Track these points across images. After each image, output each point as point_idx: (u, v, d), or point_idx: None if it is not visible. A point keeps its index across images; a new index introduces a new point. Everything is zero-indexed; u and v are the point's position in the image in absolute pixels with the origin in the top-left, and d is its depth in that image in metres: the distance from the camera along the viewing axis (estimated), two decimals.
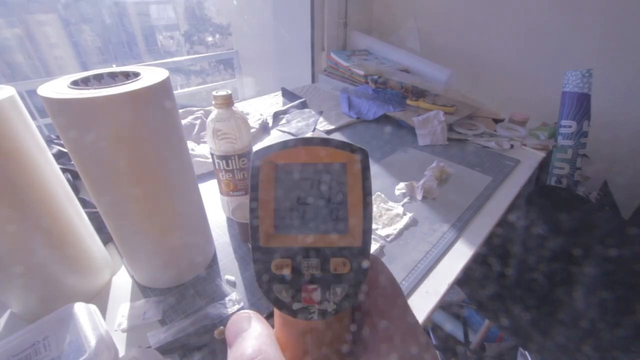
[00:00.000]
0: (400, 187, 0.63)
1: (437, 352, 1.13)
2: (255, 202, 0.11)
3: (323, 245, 0.11)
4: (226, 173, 0.49)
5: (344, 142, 0.11)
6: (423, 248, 0.49)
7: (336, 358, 0.12)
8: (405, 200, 0.60)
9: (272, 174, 0.11)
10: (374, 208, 0.55)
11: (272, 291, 0.11)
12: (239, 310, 0.39)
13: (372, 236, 0.50)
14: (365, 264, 0.11)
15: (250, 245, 0.12)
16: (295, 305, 0.11)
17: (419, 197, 0.60)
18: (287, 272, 0.11)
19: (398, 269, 0.45)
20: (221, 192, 0.53)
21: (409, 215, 0.55)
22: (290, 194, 0.11)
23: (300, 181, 0.11)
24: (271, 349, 0.12)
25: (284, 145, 0.11)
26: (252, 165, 0.11)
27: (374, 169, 0.69)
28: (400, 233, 0.52)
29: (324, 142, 0.11)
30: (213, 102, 0.45)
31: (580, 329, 0.60)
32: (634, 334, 0.57)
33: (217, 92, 0.45)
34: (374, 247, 0.48)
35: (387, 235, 0.51)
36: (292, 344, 0.12)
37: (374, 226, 0.52)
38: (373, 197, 0.56)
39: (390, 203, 0.58)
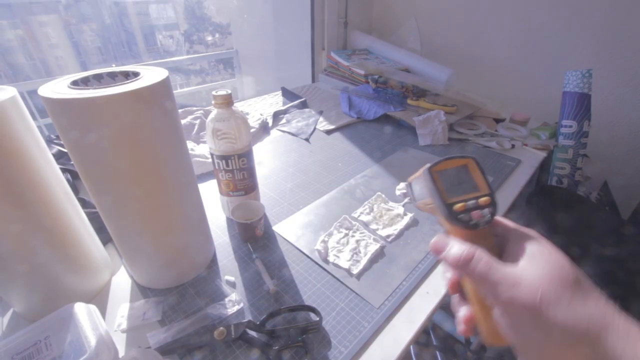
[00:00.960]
0: (401, 187, 0.62)
1: (437, 352, 1.13)
2: (435, 183, 0.24)
3: (475, 195, 0.24)
4: (226, 173, 0.49)
5: (463, 155, 0.25)
6: (424, 248, 0.49)
7: (491, 251, 0.22)
8: (406, 200, 0.59)
9: (435, 174, 0.24)
10: (375, 208, 0.57)
11: (459, 219, 0.23)
12: (238, 310, 0.39)
13: (373, 236, 0.50)
14: (495, 198, 0.24)
15: (441, 204, 0.23)
16: (472, 221, 0.23)
17: None
18: (463, 208, 0.23)
19: (399, 269, 0.45)
20: (221, 192, 0.53)
21: (409, 215, 0.55)
22: (446, 183, 0.24)
23: (447, 175, 0.24)
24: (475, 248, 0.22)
25: (434, 163, 0.25)
26: (428, 172, 0.24)
27: (374, 168, 0.69)
28: (401, 233, 0.51)
29: (456, 157, 0.25)
30: (213, 102, 0.45)
31: None
32: None
33: (216, 92, 0.44)
34: (374, 247, 0.48)
35: (388, 236, 0.51)
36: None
37: (374, 226, 0.53)
38: (373, 197, 0.58)
39: (391, 203, 0.58)
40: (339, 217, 0.54)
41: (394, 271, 0.45)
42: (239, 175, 0.49)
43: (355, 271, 0.44)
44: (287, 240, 0.50)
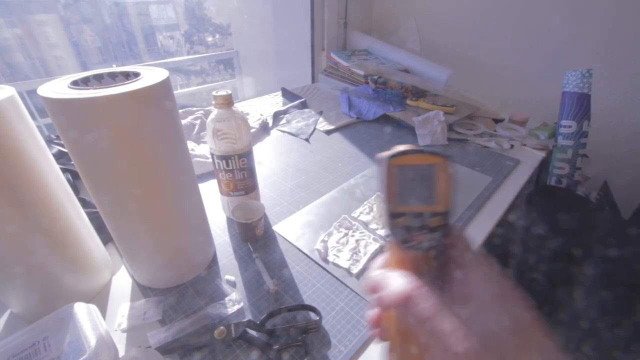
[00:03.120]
0: None
1: None
2: (386, 184, 0.19)
3: (426, 210, 0.19)
4: (226, 173, 0.49)
5: (433, 150, 0.19)
6: None
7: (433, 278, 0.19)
8: None
9: (391, 170, 0.19)
10: (374, 208, 0.56)
11: (400, 235, 0.19)
12: (239, 310, 0.39)
13: (372, 236, 0.50)
14: (450, 220, 0.19)
15: (385, 210, 0.20)
16: (412, 243, 0.19)
17: None
18: (407, 223, 0.19)
19: None
20: (221, 192, 0.53)
21: None
22: (401, 183, 0.19)
23: (406, 174, 0.19)
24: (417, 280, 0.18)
25: (397, 153, 0.19)
26: (381, 162, 0.19)
27: (374, 169, 0.69)
28: None
29: (420, 150, 0.19)
30: (213, 102, 0.45)
31: (580, 329, 0.60)
32: (634, 334, 0.57)
33: (217, 92, 0.45)
34: (374, 246, 0.48)
35: (388, 235, 0.50)
36: (410, 271, 0.19)
37: (374, 226, 0.53)
38: (373, 197, 0.57)
39: None
40: (338, 217, 0.54)
41: None
42: (239, 175, 0.49)
43: (355, 271, 0.44)
44: (287, 240, 0.50)
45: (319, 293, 0.42)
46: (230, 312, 0.39)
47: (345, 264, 0.45)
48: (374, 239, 0.50)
